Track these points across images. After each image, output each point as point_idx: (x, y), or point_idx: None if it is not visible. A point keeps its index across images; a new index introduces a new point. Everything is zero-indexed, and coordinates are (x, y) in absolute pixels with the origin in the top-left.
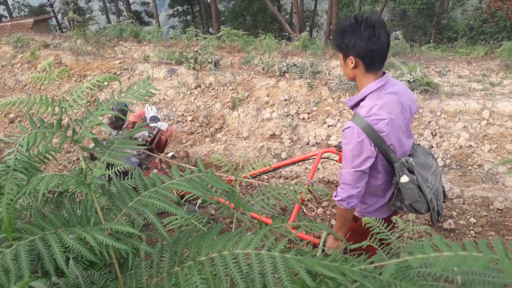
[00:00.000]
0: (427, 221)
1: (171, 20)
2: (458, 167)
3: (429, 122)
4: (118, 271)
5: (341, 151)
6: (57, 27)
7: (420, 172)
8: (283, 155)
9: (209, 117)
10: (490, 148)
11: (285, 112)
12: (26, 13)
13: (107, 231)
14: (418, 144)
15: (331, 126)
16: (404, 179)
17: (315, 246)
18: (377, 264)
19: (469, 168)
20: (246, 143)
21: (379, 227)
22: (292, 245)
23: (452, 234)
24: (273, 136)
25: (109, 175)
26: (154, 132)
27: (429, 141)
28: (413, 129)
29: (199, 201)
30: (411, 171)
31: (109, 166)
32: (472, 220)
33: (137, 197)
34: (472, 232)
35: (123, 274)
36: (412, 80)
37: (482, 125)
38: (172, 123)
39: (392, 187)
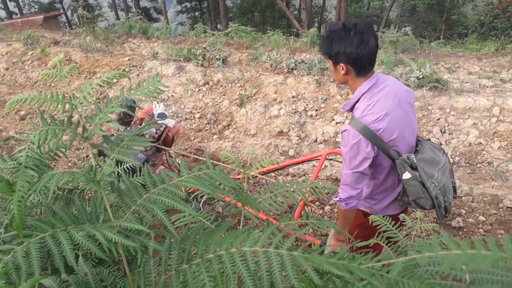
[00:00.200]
0: (435, 219)
1: (179, 16)
2: (468, 164)
3: (438, 119)
4: (126, 268)
5: None
6: (66, 24)
7: (424, 168)
8: (291, 152)
9: (217, 114)
10: (500, 145)
11: (293, 109)
12: (36, 10)
13: (116, 228)
14: (428, 139)
15: (339, 123)
16: (406, 175)
17: (320, 244)
18: (385, 262)
19: (478, 165)
20: (253, 140)
21: (386, 224)
22: (298, 243)
23: (460, 232)
24: (280, 133)
25: (118, 172)
26: (161, 129)
27: (438, 138)
28: (422, 126)
29: (204, 198)
30: (413, 168)
31: (118, 163)
32: (481, 218)
33: (146, 194)
34: (481, 230)
35: (132, 272)
36: (421, 76)
37: (492, 122)
38: (181, 120)
39: (400, 184)
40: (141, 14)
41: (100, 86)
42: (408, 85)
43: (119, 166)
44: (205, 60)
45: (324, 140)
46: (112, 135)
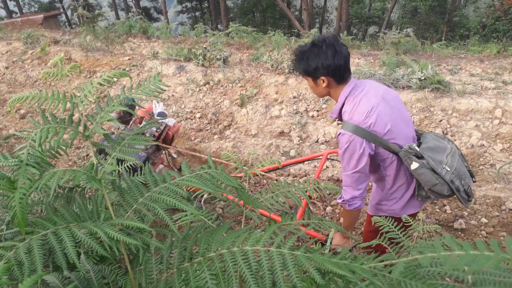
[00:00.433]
0: (437, 221)
1: (179, 16)
2: (470, 166)
3: (441, 121)
4: (128, 266)
5: None
6: (66, 23)
7: (431, 155)
8: (292, 152)
9: (217, 114)
10: (502, 147)
11: (294, 109)
12: (36, 9)
13: (118, 226)
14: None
15: (340, 123)
16: (414, 165)
17: (321, 244)
18: (387, 263)
19: (480, 167)
20: (254, 140)
21: (389, 226)
22: (299, 243)
23: (462, 234)
24: (281, 133)
25: (118, 171)
26: (162, 128)
27: None
28: (424, 128)
29: (205, 196)
30: (419, 157)
31: (119, 161)
32: (484, 220)
33: (147, 193)
34: (483, 232)
35: (133, 269)
36: (423, 78)
37: (495, 124)
38: (181, 120)
39: (413, 177)
40: (141, 14)
41: (101, 85)
42: (410, 87)
43: (120, 164)
44: (205, 60)
45: (326, 141)
46: (113, 133)
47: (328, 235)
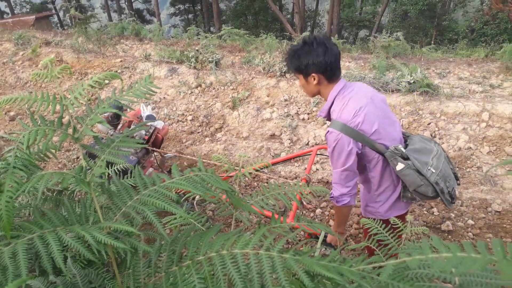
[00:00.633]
0: (425, 223)
1: (172, 18)
2: (457, 169)
3: (429, 124)
4: (116, 270)
5: None
6: (58, 25)
7: (417, 157)
8: (283, 155)
9: (209, 117)
10: (489, 150)
11: (285, 112)
12: (28, 10)
13: (106, 229)
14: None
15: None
16: (399, 166)
17: (317, 237)
18: (375, 265)
19: (468, 170)
20: (246, 143)
21: (377, 228)
22: (290, 246)
23: (450, 236)
24: (273, 136)
25: (108, 174)
26: (151, 131)
27: None
28: (412, 131)
29: (197, 197)
30: (405, 158)
31: (108, 164)
32: (470, 222)
33: (136, 196)
34: (470, 234)
35: (121, 273)
36: (412, 81)
37: (482, 127)
38: (173, 122)
39: (399, 179)
40: (134, 16)
41: (92, 87)
42: (399, 90)
43: (110, 167)
44: (197, 62)
45: (316, 143)
46: (102, 138)
47: (318, 236)
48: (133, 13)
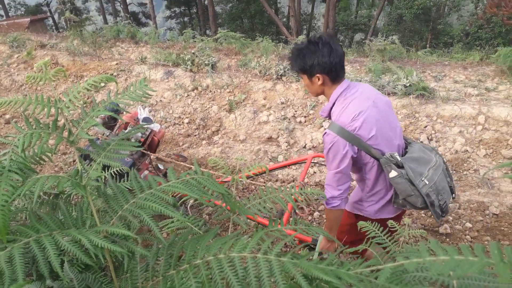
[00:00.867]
0: (423, 226)
1: (168, 21)
2: (454, 171)
3: (425, 127)
4: (113, 274)
5: None
6: (53, 27)
7: (412, 166)
8: (280, 158)
9: (206, 120)
10: (485, 153)
11: (282, 115)
12: (23, 12)
13: (103, 233)
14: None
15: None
16: (392, 174)
17: (309, 248)
18: (373, 268)
19: (464, 173)
20: (243, 146)
21: (374, 231)
22: (288, 249)
23: (447, 239)
24: (270, 139)
25: (104, 177)
26: (147, 133)
27: None
28: (409, 134)
29: (190, 202)
30: (399, 166)
31: (105, 167)
32: (468, 225)
33: (133, 200)
34: (468, 237)
35: (118, 277)
36: (408, 84)
37: (478, 130)
38: (169, 125)
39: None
40: (129, 19)
41: (87, 89)
42: (395, 93)
43: (107, 170)
44: (194, 65)
45: (313, 146)
46: (98, 138)
47: (316, 239)
48: (128, 15)
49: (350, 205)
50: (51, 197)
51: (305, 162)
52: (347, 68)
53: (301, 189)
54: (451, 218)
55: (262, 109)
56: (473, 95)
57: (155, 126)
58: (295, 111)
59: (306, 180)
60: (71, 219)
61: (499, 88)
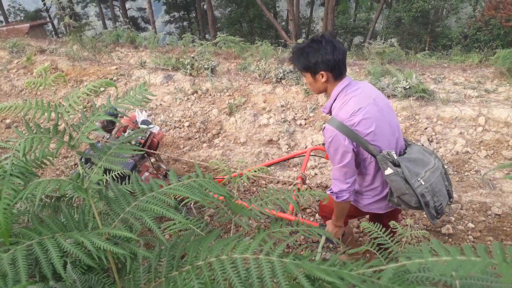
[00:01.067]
0: (425, 226)
1: (167, 26)
2: (455, 172)
3: (426, 129)
4: (116, 276)
5: None
6: (53, 33)
7: (408, 166)
8: None
9: (206, 123)
10: (486, 154)
11: (282, 118)
12: (22, 18)
13: (105, 235)
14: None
15: None
16: (388, 171)
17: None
18: (376, 269)
19: (466, 173)
20: (243, 148)
21: (377, 231)
22: (290, 250)
23: (450, 239)
24: (270, 141)
25: (106, 180)
26: (147, 135)
27: (426, 147)
28: (409, 135)
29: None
30: (396, 165)
31: (106, 171)
32: (470, 225)
33: (134, 202)
34: (470, 237)
35: (121, 279)
36: (408, 87)
37: (478, 132)
38: (169, 129)
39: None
40: (128, 24)
41: (87, 94)
42: (395, 95)
43: (108, 173)
44: (193, 69)
45: (317, 154)
46: (98, 141)
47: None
48: (127, 20)
49: None
50: (53, 200)
51: (304, 156)
52: (347, 70)
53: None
54: (453, 218)
55: (262, 112)
56: (472, 97)
57: (154, 128)
58: (295, 113)
59: (307, 181)
60: (73, 221)
61: (499, 90)
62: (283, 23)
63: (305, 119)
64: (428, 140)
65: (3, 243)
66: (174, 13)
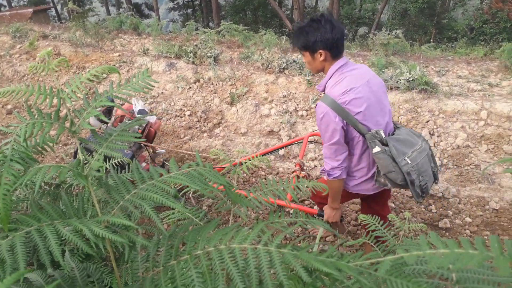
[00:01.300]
0: (423, 220)
1: (171, 13)
2: (455, 166)
3: (427, 122)
4: (114, 264)
5: None
6: (56, 18)
7: (396, 145)
8: (281, 151)
9: (207, 112)
10: (487, 148)
11: (283, 108)
12: (25, 3)
13: (104, 223)
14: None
15: None
16: (376, 149)
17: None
18: (373, 261)
19: (466, 168)
20: (244, 139)
21: (375, 224)
22: (288, 241)
23: (447, 233)
24: (271, 132)
25: (106, 168)
26: (144, 125)
27: (427, 140)
28: (411, 128)
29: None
30: (384, 144)
31: (106, 159)
32: (468, 219)
33: (134, 190)
34: (467, 231)
35: (119, 267)
36: (411, 79)
37: (480, 126)
38: (170, 118)
39: (375, 163)
40: (132, 10)
41: (90, 80)
42: (398, 87)
43: (107, 162)
44: (196, 57)
45: (314, 140)
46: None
47: (322, 211)
48: (131, 7)
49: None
50: (52, 187)
51: (302, 142)
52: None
53: (301, 168)
54: (451, 213)
55: (264, 102)
56: (476, 91)
57: (152, 118)
58: (297, 104)
59: (305, 168)
60: (73, 209)
61: (502, 84)
62: (288, 12)
63: (306, 110)
64: (430, 133)
65: (2, 229)
66: (178, 0)
